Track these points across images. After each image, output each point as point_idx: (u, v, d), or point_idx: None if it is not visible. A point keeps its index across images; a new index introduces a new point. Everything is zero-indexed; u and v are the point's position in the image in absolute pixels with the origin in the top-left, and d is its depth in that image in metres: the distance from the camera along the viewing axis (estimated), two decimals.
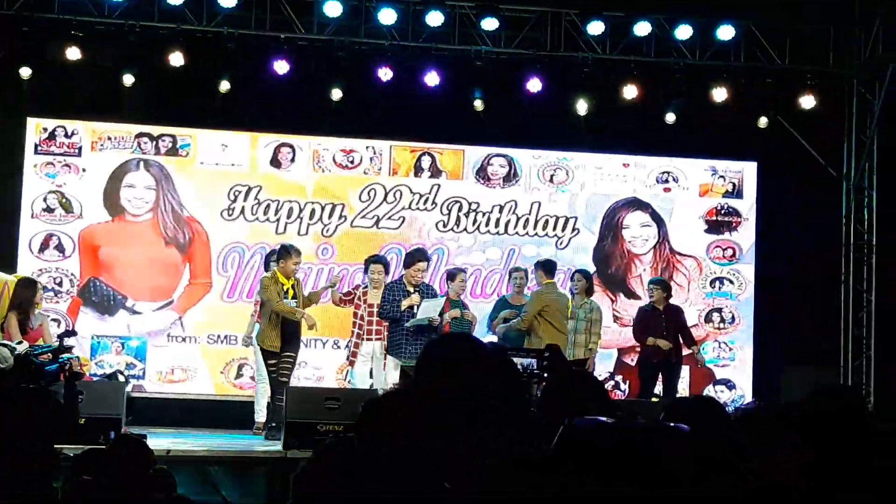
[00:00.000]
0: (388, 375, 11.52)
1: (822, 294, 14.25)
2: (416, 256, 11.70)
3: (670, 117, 13.69)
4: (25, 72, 12.67)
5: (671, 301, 12.65)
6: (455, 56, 13.18)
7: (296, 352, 11.62)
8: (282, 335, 11.38)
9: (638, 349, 12.91)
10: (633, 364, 13.31)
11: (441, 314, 11.39)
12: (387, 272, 12.01)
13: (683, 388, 13.95)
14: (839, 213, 14.18)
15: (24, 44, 12.66)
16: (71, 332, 10.69)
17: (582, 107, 13.49)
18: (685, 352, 12.64)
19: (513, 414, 2.94)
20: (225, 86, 12.99)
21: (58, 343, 9.71)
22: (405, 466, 2.68)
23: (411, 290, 11.41)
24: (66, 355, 9.39)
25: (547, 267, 12.26)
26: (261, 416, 11.83)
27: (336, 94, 13.10)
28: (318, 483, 3.02)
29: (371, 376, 11.85)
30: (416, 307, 11.28)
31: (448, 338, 4.59)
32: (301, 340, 11.82)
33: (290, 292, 11.44)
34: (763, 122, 13.81)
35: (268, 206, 13.76)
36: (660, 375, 12.41)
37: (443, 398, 2.80)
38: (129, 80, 12.86)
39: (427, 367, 3.10)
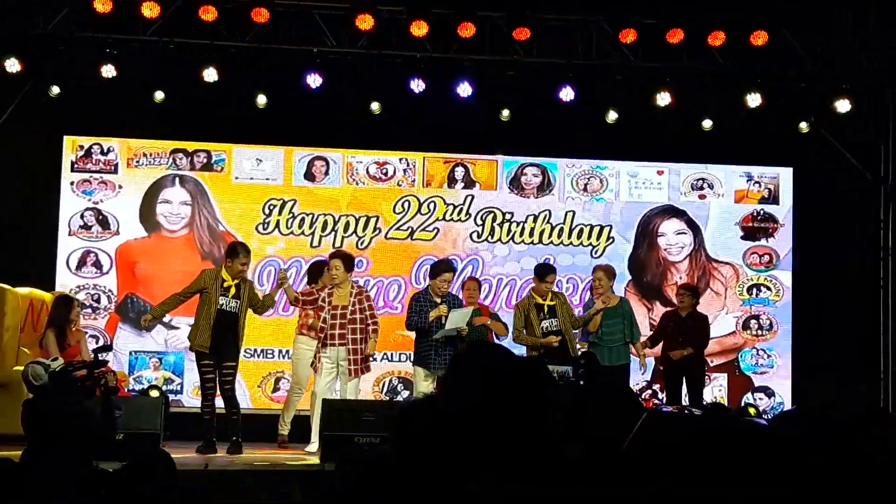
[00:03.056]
0: (417, 386, 11.49)
1: (861, 300, 14.12)
2: (442, 267, 11.66)
3: (706, 124, 13.63)
4: (55, 90, 12.77)
5: (698, 309, 12.53)
6: (487, 66, 13.16)
7: (235, 360, 11.12)
8: (213, 336, 10.87)
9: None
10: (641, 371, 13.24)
11: (469, 324, 11.33)
12: (348, 268, 11.37)
13: (722, 397, 13.88)
14: (877, 218, 14.05)
15: (60, 62, 12.76)
16: (107, 347, 10.73)
17: (615, 115, 13.45)
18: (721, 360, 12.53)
19: (541, 422, 2.93)
20: (262, 100, 13.05)
21: (93, 357, 9.74)
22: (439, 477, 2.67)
23: (438, 300, 11.37)
24: (102, 370, 9.41)
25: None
26: (285, 429, 11.88)
27: (374, 106, 13.13)
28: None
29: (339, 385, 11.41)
30: (443, 318, 11.24)
31: (478, 348, 4.57)
32: (240, 350, 11.32)
33: (232, 290, 10.93)
34: (804, 126, 13.71)
35: (302, 219, 13.81)
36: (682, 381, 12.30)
37: (472, 409, 2.79)
38: (162, 96, 12.96)
39: (457, 377, 3.09)
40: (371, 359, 11.50)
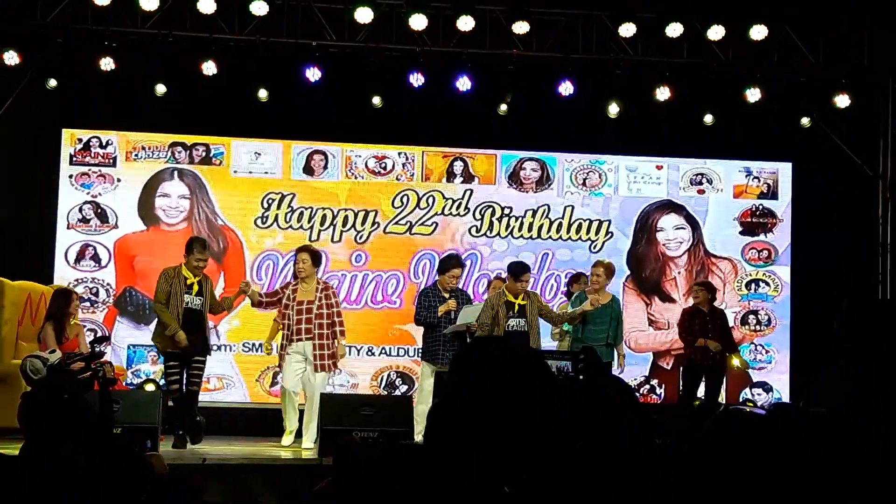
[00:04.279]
0: (423, 381, 11.46)
1: (861, 295, 14.10)
2: (451, 262, 11.62)
3: (707, 118, 13.63)
4: (52, 83, 12.75)
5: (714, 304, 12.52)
6: (486, 60, 13.14)
7: (205, 357, 11.07)
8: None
9: (673, 353, 12.77)
10: (669, 368, 13.20)
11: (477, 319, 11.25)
12: (316, 263, 11.34)
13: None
14: (875, 213, 14.04)
15: (58, 55, 12.74)
16: (104, 338, 10.72)
17: (614, 109, 13.43)
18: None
19: (547, 416, 2.94)
20: (263, 94, 13.03)
21: (90, 350, 9.72)
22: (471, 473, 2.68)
23: (446, 295, 11.35)
24: (98, 362, 9.38)
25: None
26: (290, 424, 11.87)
27: (375, 100, 13.12)
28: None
29: (307, 380, 11.24)
30: (453, 313, 11.21)
31: (481, 342, 4.58)
32: (211, 345, 11.29)
33: (195, 287, 10.86)
34: (805, 121, 13.69)
35: (301, 213, 13.80)
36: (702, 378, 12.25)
37: (482, 403, 2.80)
38: (161, 89, 12.95)
39: (461, 372, 3.09)
40: (341, 359, 11.41)
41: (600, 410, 3.47)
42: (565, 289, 13.34)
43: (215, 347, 13.50)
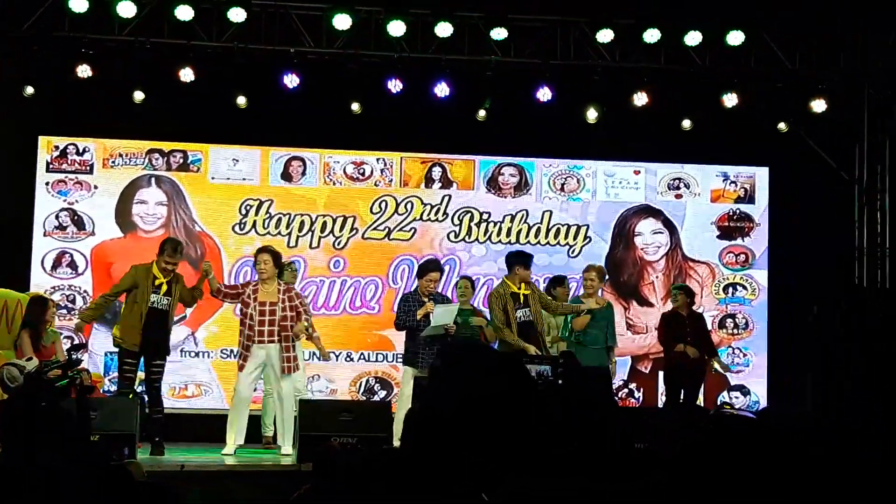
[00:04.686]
0: (404, 386, 11.40)
1: (836, 299, 14.16)
2: (429, 267, 11.61)
3: (685, 123, 13.66)
4: (29, 90, 12.70)
5: (694, 308, 12.57)
6: (465, 67, 13.15)
7: (164, 359, 11.00)
8: (144, 335, 10.75)
9: (651, 356, 12.79)
10: (647, 371, 13.22)
11: (456, 322, 11.25)
12: (277, 264, 11.22)
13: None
14: (852, 218, 14.11)
15: (35, 62, 12.68)
16: (80, 346, 10.66)
17: (592, 115, 13.45)
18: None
19: (531, 419, 2.95)
20: (242, 100, 13.01)
21: (67, 357, 9.68)
22: (451, 479, 2.68)
23: (426, 300, 11.34)
24: (75, 370, 9.34)
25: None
26: (268, 430, 11.84)
27: (354, 106, 13.08)
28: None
29: (274, 386, 11.29)
30: (431, 314, 11.20)
31: (459, 347, 4.58)
32: (169, 347, 11.21)
33: (163, 288, 10.83)
34: (782, 126, 13.73)
35: (279, 219, 13.78)
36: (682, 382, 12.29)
37: (465, 408, 2.81)
38: (139, 96, 12.90)
39: (440, 377, 3.09)
40: (296, 338, 11.19)
41: (592, 413, 3.49)
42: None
43: (193, 354, 13.49)
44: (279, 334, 10.98)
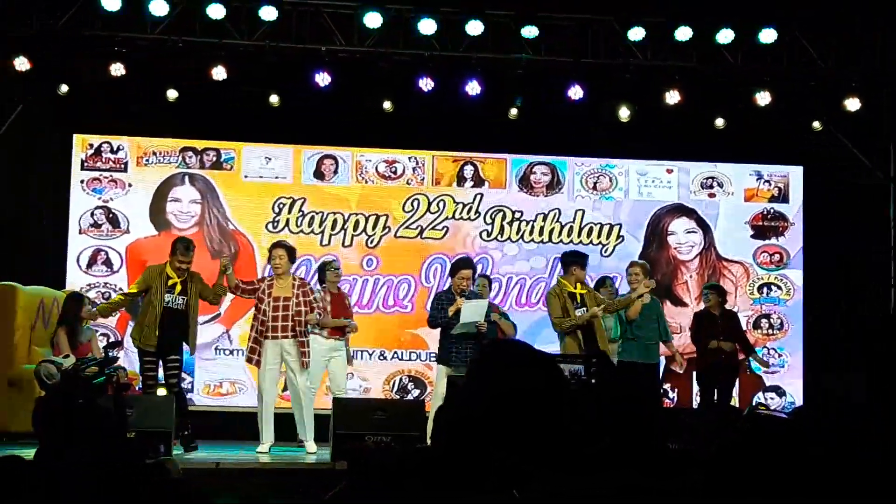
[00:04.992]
0: (437, 384, 11.37)
1: (872, 298, 14.08)
2: (461, 264, 11.57)
3: (718, 122, 13.60)
4: (63, 88, 12.79)
5: (725, 307, 12.50)
6: (496, 65, 13.13)
7: (181, 356, 11.02)
8: (160, 335, 10.76)
9: (685, 357, 12.68)
10: (681, 372, 13.16)
11: (487, 317, 11.22)
12: (292, 259, 11.26)
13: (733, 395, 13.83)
14: (886, 217, 14.01)
15: (68, 61, 12.76)
16: (117, 343, 10.72)
17: (624, 113, 13.41)
18: (740, 357, 12.48)
19: (565, 417, 2.96)
20: (275, 99, 13.07)
21: (104, 355, 9.73)
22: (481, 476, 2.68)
23: (458, 297, 11.30)
24: (112, 367, 9.40)
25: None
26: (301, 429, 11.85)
27: (386, 105, 13.12)
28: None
29: (290, 381, 11.23)
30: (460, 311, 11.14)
31: (496, 343, 4.59)
32: (192, 347, 11.21)
33: (178, 288, 10.87)
34: (817, 125, 13.65)
35: (312, 217, 13.81)
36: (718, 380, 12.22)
37: (504, 404, 2.81)
38: (173, 94, 12.96)
39: (483, 373, 3.09)
40: (308, 326, 11.20)
41: (628, 410, 3.49)
42: None
43: (227, 352, 13.54)
44: (293, 329, 10.99)
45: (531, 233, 14.06)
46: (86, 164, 13.63)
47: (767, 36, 12.91)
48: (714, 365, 12.00)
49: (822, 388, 13.08)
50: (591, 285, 12.55)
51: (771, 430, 2.81)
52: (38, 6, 12.40)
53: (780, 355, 14.23)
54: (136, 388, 11.92)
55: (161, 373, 10.97)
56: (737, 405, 12.86)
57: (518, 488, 2.70)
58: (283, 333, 10.99)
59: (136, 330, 10.99)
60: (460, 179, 14.10)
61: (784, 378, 14.19)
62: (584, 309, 11.13)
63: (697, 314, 12.55)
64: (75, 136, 13.63)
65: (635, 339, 11.57)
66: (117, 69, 12.58)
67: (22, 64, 12.43)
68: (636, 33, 12.88)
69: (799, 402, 13.90)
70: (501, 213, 14.06)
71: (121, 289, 13.38)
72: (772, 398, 14.04)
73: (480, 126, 13.71)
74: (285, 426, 11.38)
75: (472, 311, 10.97)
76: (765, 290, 14.32)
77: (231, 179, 13.83)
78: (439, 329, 11.29)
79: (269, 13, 12.39)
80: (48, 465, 5.15)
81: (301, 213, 13.82)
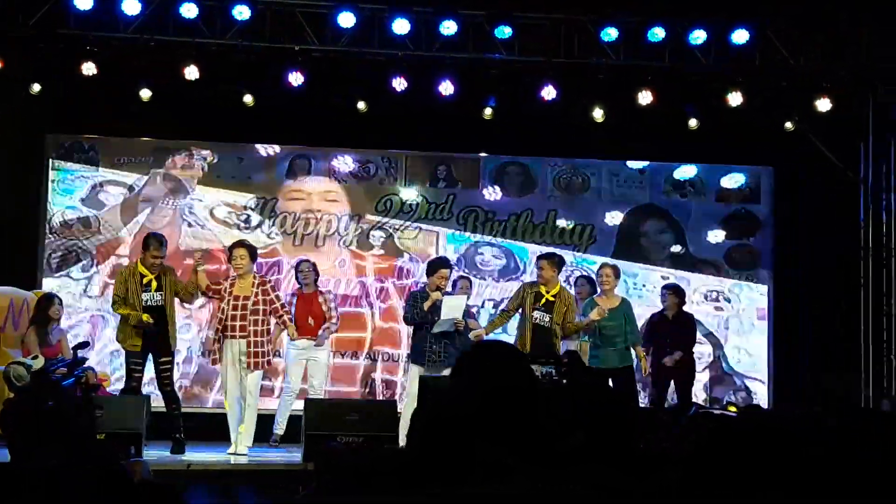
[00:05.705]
0: (411, 385, 11.34)
1: (842, 299, 14.14)
2: (439, 264, 11.59)
3: (691, 123, 13.61)
4: (35, 87, 12.71)
5: (684, 308, 12.52)
6: (469, 65, 13.12)
7: (171, 356, 11.00)
8: (144, 335, 10.65)
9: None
10: (646, 376, 13.16)
11: (464, 316, 11.21)
12: (253, 258, 11.16)
13: (705, 395, 13.89)
14: (858, 217, 14.07)
15: (40, 60, 12.68)
16: (84, 344, 10.66)
17: (597, 113, 13.42)
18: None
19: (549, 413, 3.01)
20: (248, 98, 12.99)
21: (73, 356, 9.69)
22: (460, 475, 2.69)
23: (431, 294, 11.27)
24: (81, 368, 9.36)
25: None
26: (279, 428, 11.81)
27: (360, 105, 13.06)
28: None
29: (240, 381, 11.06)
30: (439, 304, 11.11)
31: (479, 344, 4.62)
32: (173, 343, 11.03)
33: (153, 284, 10.75)
34: (789, 125, 13.70)
35: (285, 218, 13.79)
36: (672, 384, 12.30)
37: (492, 403, 2.84)
38: (146, 94, 12.89)
39: (473, 370, 3.11)
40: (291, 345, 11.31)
41: (600, 409, 3.51)
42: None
43: (200, 352, 13.49)
44: (249, 328, 10.85)
45: (504, 233, 14.07)
46: (57, 163, 13.55)
47: (740, 36, 12.93)
48: (663, 369, 12.06)
49: (822, 388, 13.09)
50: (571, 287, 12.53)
51: (714, 428, 2.84)
52: (9, 4, 12.32)
53: (750, 355, 14.26)
54: (106, 390, 11.87)
55: (154, 373, 10.96)
56: (703, 403, 12.93)
57: (496, 484, 2.71)
58: (241, 333, 10.84)
59: (120, 332, 10.89)
60: (433, 179, 14.10)
61: (754, 377, 14.21)
62: (547, 315, 11.07)
63: (652, 318, 12.57)
64: (48, 135, 13.56)
65: (602, 345, 11.53)
66: (89, 68, 12.50)
67: None
68: (609, 33, 12.89)
69: (767, 401, 13.95)
70: (474, 214, 14.07)
71: (92, 290, 13.31)
72: (742, 396, 14.09)
73: (454, 126, 13.69)
74: (259, 426, 11.34)
75: (452, 307, 10.98)
76: (736, 289, 14.34)
77: (203, 179, 13.78)
78: (412, 329, 11.29)
79: (241, 12, 12.34)
80: (13, 469, 5.13)
81: (273, 213, 13.79)
